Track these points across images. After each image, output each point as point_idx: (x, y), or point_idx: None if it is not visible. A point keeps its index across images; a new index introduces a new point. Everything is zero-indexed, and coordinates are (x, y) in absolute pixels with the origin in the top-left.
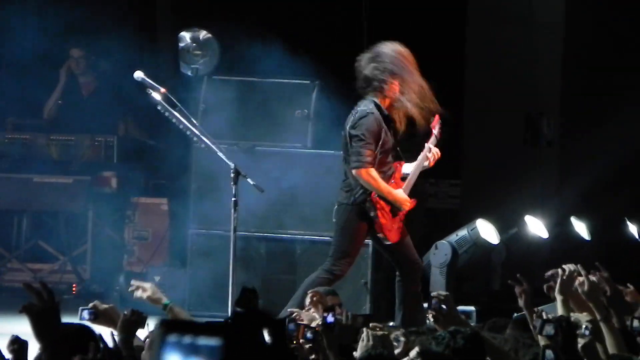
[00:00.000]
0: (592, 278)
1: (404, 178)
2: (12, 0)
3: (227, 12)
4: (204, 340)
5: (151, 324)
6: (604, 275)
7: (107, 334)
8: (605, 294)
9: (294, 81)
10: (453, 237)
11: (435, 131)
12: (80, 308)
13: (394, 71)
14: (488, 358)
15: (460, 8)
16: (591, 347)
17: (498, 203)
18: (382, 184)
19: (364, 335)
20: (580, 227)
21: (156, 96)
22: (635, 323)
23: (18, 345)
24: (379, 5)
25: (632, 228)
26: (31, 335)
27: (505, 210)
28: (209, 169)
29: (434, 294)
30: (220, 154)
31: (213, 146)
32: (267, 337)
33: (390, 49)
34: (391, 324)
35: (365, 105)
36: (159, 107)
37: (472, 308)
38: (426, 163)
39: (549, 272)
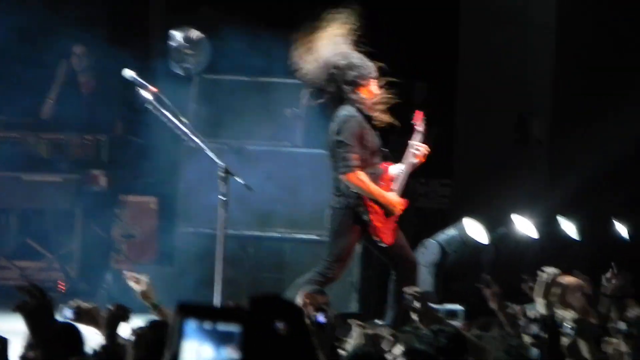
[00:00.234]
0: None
1: (393, 179)
2: None
3: (218, 11)
4: (223, 326)
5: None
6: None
7: (90, 333)
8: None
9: (284, 80)
10: (442, 237)
11: (419, 127)
12: (62, 306)
13: (354, 77)
14: (470, 358)
15: (453, 8)
16: (575, 346)
17: (488, 203)
18: (373, 186)
19: (353, 333)
20: (569, 227)
21: (146, 95)
22: (621, 325)
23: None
24: (371, 5)
25: (620, 228)
26: (15, 333)
27: (495, 209)
28: (198, 167)
29: (408, 290)
30: (209, 153)
31: (203, 145)
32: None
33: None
34: (379, 322)
35: (346, 110)
36: (148, 106)
37: (460, 307)
38: (415, 160)
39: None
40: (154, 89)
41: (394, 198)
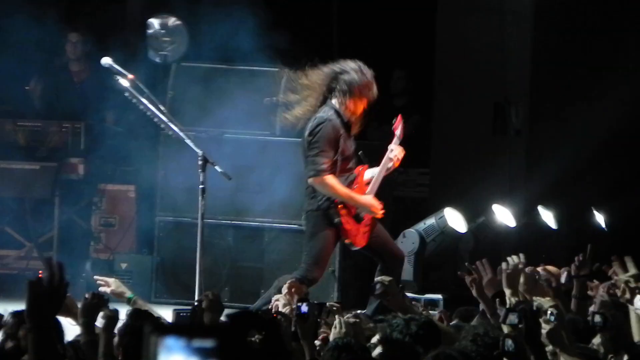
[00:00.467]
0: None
1: (369, 182)
2: None
3: None
4: (198, 342)
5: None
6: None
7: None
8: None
9: (263, 68)
10: (421, 226)
11: (398, 132)
12: None
13: (358, 91)
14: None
15: None
16: (556, 333)
17: (466, 192)
18: (342, 189)
19: (336, 322)
20: (548, 216)
21: (124, 82)
22: (597, 318)
23: None
24: None
25: (598, 217)
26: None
27: (474, 198)
28: (176, 156)
29: (377, 279)
30: (188, 141)
31: (181, 133)
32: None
33: (354, 68)
34: (360, 312)
35: (325, 112)
36: (126, 94)
37: (439, 296)
38: (390, 164)
39: (472, 266)
40: (131, 77)
41: (368, 200)
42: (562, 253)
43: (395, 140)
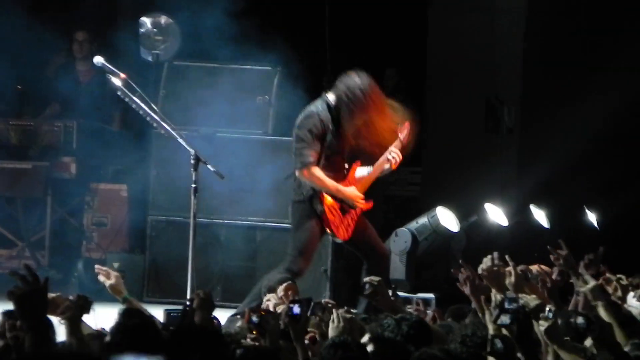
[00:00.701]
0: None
1: (358, 179)
2: None
3: None
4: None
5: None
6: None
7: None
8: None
9: (255, 67)
10: (413, 225)
11: (402, 135)
12: None
13: (359, 110)
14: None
15: None
16: (554, 330)
17: (458, 190)
18: (329, 182)
19: (334, 317)
20: (540, 215)
21: (116, 81)
22: (580, 320)
23: None
24: None
25: (590, 216)
26: None
27: (466, 197)
28: (169, 155)
29: (366, 279)
30: (180, 140)
31: (173, 132)
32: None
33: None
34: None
35: (315, 105)
36: (118, 93)
37: (431, 295)
38: (387, 166)
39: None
40: (123, 75)
41: (352, 192)
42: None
43: (397, 143)
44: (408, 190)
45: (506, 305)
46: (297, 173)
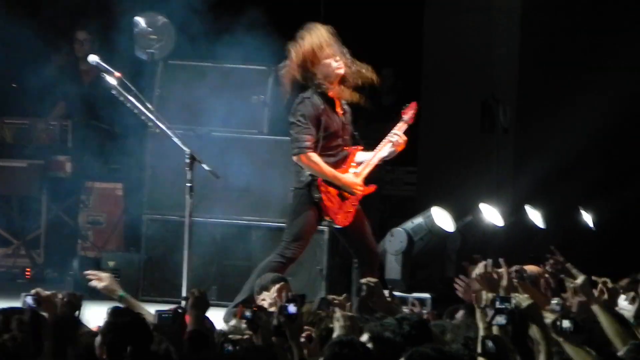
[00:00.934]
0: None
1: (359, 163)
2: None
3: None
4: None
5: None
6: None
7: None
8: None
9: (250, 67)
10: (409, 225)
11: (406, 116)
12: (23, 294)
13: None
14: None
15: None
16: (560, 324)
17: (454, 190)
18: (326, 168)
19: (338, 315)
20: (535, 215)
21: (111, 80)
22: (565, 323)
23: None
24: None
25: (585, 216)
26: None
27: (461, 197)
28: (164, 154)
29: (362, 280)
30: (175, 139)
31: (168, 131)
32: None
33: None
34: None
35: (305, 93)
36: (113, 92)
37: (427, 295)
38: (393, 149)
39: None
40: (118, 74)
41: (350, 179)
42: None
43: (401, 124)
44: (404, 190)
45: (497, 305)
46: (294, 159)
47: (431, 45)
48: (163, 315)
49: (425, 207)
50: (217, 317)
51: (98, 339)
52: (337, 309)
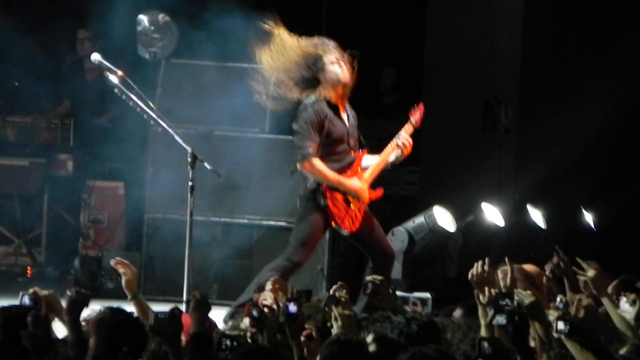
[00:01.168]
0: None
1: (365, 167)
2: None
3: None
4: None
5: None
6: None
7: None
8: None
9: (252, 66)
10: (410, 224)
11: (413, 119)
12: (21, 293)
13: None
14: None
15: None
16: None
17: (455, 190)
18: (330, 174)
19: (335, 314)
20: (536, 215)
21: (113, 79)
22: (560, 325)
23: None
24: None
25: (587, 216)
26: None
27: (463, 197)
28: (165, 153)
29: (369, 278)
30: (177, 138)
31: (170, 130)
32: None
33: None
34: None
35: (308, 98)
36: (115, 90)
37: (428, 295)
38: (399, 152)
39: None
40: (120, 73)
41: (355, 184)
42: (550, 252)
43: (407, 126)
44: (405, 190)
45: (500, 302)
46: (298, 166)
47: (433, 45)
48: (160, 315)
49: (426, 206)
50: (217, 316)
51: (92, 340)
52: (333, 308)
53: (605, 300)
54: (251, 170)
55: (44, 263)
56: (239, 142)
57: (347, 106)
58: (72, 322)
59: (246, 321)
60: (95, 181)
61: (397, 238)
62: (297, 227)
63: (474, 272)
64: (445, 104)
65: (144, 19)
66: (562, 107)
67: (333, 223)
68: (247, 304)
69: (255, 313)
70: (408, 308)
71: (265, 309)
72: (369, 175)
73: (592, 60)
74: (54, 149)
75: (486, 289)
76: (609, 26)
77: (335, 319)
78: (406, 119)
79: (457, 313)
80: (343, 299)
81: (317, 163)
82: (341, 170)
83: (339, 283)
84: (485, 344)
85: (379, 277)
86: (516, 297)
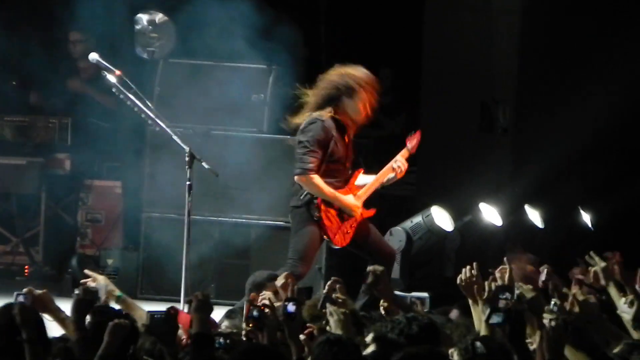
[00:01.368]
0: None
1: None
2: None
3: None
4: None
5: None
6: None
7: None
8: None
9: (250, 65)
10: (408, 224)
11: (410, 145)
12: (16, 293)
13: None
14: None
15: None
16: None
17: (453, 190)
18: (327, 189)
19: (331, 310)
20: (534, 215)
21: (111, 78)
22: (553, 324)
23: None
24: None
25: (584, 216)
26: None
27: (460, 197)
28: (163, 152)
29: (369, 268)
30: (175, 137)
31: (168, 129)
32: None
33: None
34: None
35: (319, 113)
36: (114, 90)
37: (425, 294)
38: (392, 175)
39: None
40: (118, 72)
41: (350, 201)
42: (548, 252)
43: (404, 151)
44: (403, 190)
45: (500, 296)
46: (295, 178)
47: (430, 45)
48: (155, 316)
49: (424, 206)
50: (216, 316)
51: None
52: (327, 306)
53: (611, 290)
54: (249, 169)
55: (41, 262)
56: (237, 142)
57: (351, 132)
58: (78, 320)
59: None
60: (92, 180)
61: (395, 238)
62: (294, 240)
63: (463, 277)
64: (443, 104)
65: (142, 18)
66: (559, 107)
67: (325, 236)
68: (247, 304)
69: (255, 313)
70: None
71: (266, 309)
72: (363, 192)
73: (589, 61)
74: (52, 148)
75: (486, 283)
76: (606, 26)
77: (331, 314)
78: (401, 119)
79: (454, 314)
80: (340, 300)
81: (316, 179)
82: (337, 187)
83: (332, 278)
84: (478, 344)
85: (380, 268)
86: (517, 292)
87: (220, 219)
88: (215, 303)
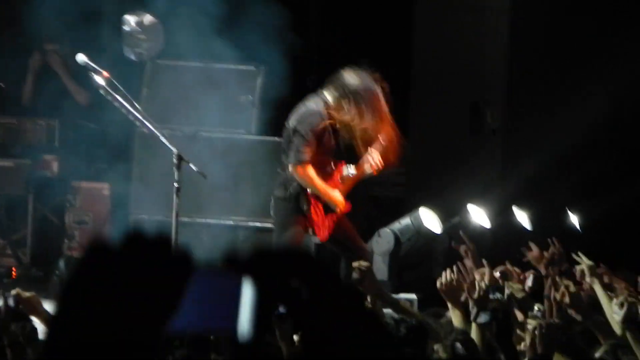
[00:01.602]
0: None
1: (343, 178)
2: None
3: None
4: None
5: None
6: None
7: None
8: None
9: (239, 67)
10: (396, 225)
11: (384, 140)
12: (5, 295)
13: (362, 102)
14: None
15: None
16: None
17: (442, 192)
18: (319, 182)
19: None
20: (522, 217)
21: (99, 80)
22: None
23: None
24: None
25: (573, 218)
26: None
27: (450, 198)
28: (151, 154)
29: (355, 264)
30: (163, 139)
31: (156, 131)
32: None
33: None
34: None
35: (315, 103)
36: (101, 91)
37: (413, 296)
38: (369, 171)
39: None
40: (106, 74)
41: (337, 196)
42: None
43: (377, 145)
44: (393, 191)
45: (491, 295)
46: (290, 168)
47: (420, 46)
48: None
49: (414, 208)
50: None
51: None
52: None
53: (596, 286)
54: (237, 171)
55: (29, 264)
56: (225, 143)
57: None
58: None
59: None
60: (80, 182)
61: (383, 239)
62: (279, 235)
63: (443, 281)
64: (432, 106)
65: (130, 19)
66: (549, 108)
67: (310, 229)
68: None
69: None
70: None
71: None
72: (345, 186)
73: (579, 62)
74: (39, 149)
75: (477, 283)
76: (597, 27)
77: None
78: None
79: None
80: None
81: (310, 170)
82: (324, 180)
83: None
84: (458, 345)
85: (365, 263)
86: (507, 291)
87: (208, 220)
88: None
